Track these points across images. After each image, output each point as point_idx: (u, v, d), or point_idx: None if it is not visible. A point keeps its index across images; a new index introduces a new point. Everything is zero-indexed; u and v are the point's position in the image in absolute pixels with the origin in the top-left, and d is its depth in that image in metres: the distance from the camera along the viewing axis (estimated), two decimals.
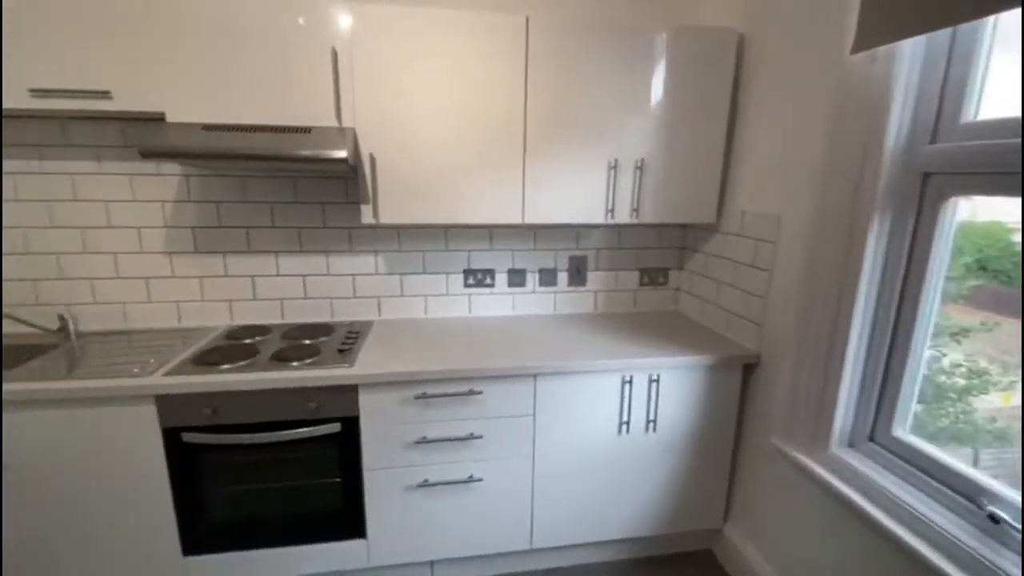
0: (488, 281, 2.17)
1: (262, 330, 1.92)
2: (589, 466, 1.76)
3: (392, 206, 1.72)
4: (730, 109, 1.81)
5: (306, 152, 1.51)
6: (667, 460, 1.81)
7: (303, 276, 2.04)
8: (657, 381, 1.72)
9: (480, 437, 1.67)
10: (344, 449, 1.61)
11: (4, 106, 1.48)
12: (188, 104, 1.55)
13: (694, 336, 1.92)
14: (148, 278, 1.94)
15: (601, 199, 1.82)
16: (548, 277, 2.20)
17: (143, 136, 1.51)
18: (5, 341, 1.77)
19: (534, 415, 1.68)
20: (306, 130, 1.59)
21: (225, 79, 1.55)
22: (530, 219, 1.81)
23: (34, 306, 1.89)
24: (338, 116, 1.62)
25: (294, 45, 1.56)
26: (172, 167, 1.86)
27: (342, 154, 1.50)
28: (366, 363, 1.61)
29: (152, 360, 1.61)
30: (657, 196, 1.84)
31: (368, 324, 2.04)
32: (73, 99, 1.50)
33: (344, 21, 1.57)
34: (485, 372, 1.60)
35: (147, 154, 1.42)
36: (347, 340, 1.80)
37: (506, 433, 1.68)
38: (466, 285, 2.16)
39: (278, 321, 2.05)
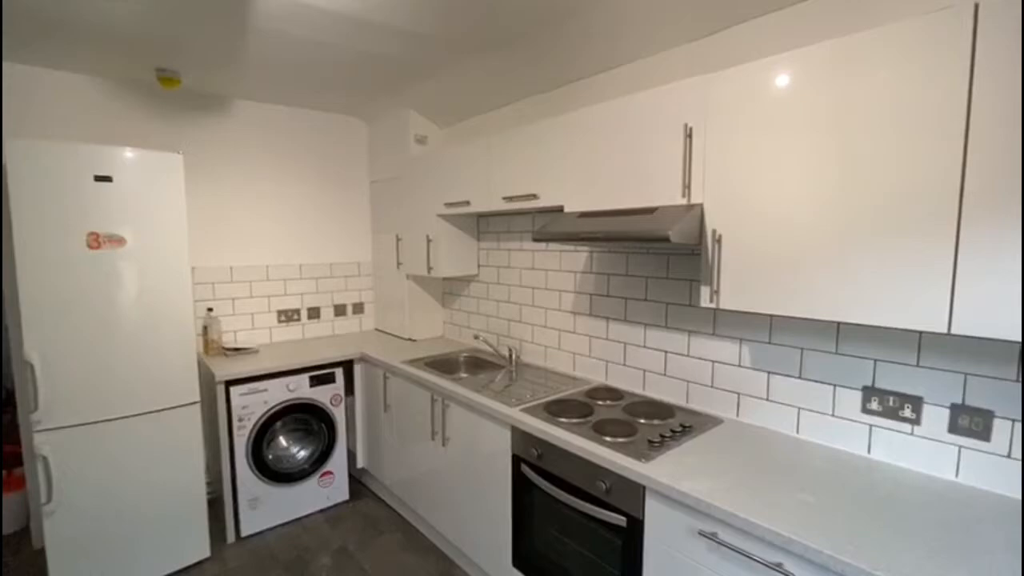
0: (907, 413, 1.39)
1: (616, 395, 2.02)
2: None
3: (735, 289, 1.44)
4: None
5: (635, 231, 1.51)
6: None
7: (665, 352, 2.00)
8: None
9: None
10: (627, 548, 1.47)
11: (490, 209, 2.30)
12: (577, 198, 1.88)
13: None
14: (560, 331, 2.44)
15: None
16: None
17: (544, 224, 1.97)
18: (481, 356, 2.69)
19: None
20: (650, 210, 1.60)
21: (598, 173, 1.79)
22: (964, 329, 1.06)
23: (506, 337, 2.76)
24: (686, 193, 1.53)
25: (649, 127, 1.62)
26: (582, 246, 2.28)
27: (665, 232, 1.41)
28: (662, 466, 1.42)
29: (529, 395, 2.03)
30: None
31: (716, 421, 1.75)
32: (520, 201, 2.14)
33: (698, 94, 1.48)
34: (803, 550, 1.06)
35: (536, 238, 1.84)
36: (673, 432, 1.63)
37: None
38: (865, 410, 1.47)
39: (637, 391, 2.09)
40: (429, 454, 2.36)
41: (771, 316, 1.66)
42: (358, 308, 3.47)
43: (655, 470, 1.39)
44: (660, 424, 1.72)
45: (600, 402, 1.95)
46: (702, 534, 1.26)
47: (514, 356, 2.55)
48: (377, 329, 3.51)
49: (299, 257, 3.20)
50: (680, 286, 1.92)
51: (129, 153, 2.09)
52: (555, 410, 1.84)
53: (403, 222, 3.04)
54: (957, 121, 1.05)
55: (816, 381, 1.57)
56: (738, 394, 1.77)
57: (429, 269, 2.80)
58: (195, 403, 2.30)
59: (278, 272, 3.12)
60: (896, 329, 1.36)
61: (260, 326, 3.07)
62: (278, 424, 2.66)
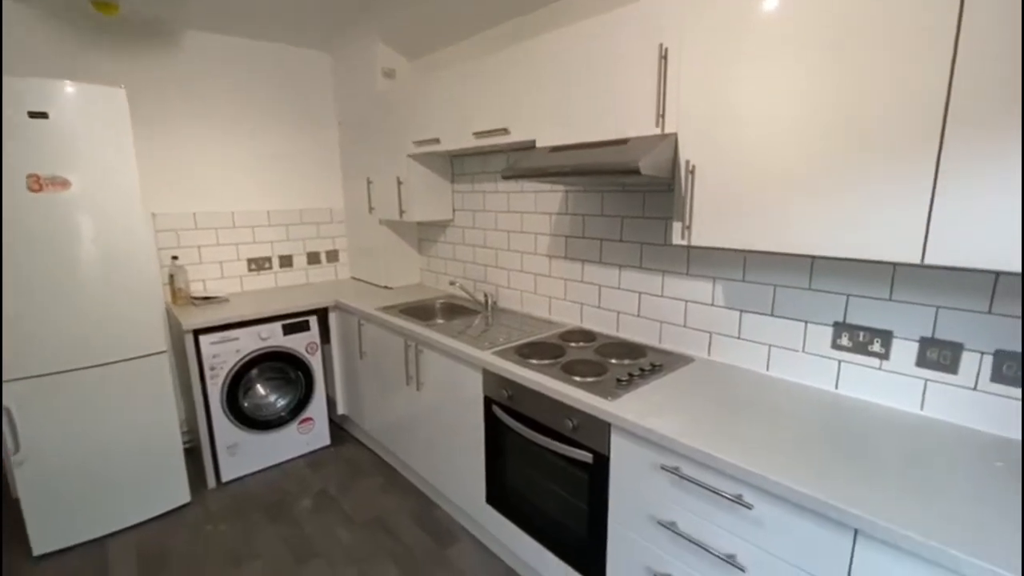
0: (876, 348, 1.38)
1: (589, 337, 2.00)
2: None
3: (708, 225, 1.37)
4: None
5: (605, 163, 1.43)
6: None
7: (639, 293, 1.96)
8: None
9: (743, 571, 1.14)
10: (593, 484, 1.49)
11: (460, 146, 2.18)
12: (549, 131, 1.77)
13: None
14: (536, 275, 2.39)
15: None
16: (1013, 369, 1.17)
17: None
18: (457, 302, 2.64)
19: None
20: (623, 142, 1.50)
21: (569, 103, 1.67)
22: (937, 258, 1.02)
23: (482, 283, 2.71)
24: (660, 122, 1.43)
25: (622, 50, 1.49)
26: (557, 186, 2.19)
27: (634, 163, 1.32)
28: (628, 404, 1.40)
29: (502, 339, 2.00)
30: None
31: (687, 360, 1.74)
32: (491, 137, 2.02)
33: (675, 12, 1.35)
34: (762, 481, 1.06)
35: (505, 175, 1.74)
36: (642, 371, 1.61)
37: None
38: (835, 346, 1.46)
39: (611, 332, 2.07)
40: (405, 399, 2.36)
41: (745, 253, 1.61)
42: (332, 256, 3.37)
43: (621, 408, 1.38)
44: (630, 364, 1.70)
45: (573, 344, 1.93)
46: (665, 468, 1.26)
47: (490, 302, 2.51)
48: (353, 277, 3.43)
49: (266, 203, 3.06)
50: (655, 225, 1.85)
51: (67, 87, 1.92)
52: (527, 352, 1.82)
53: (373, 165, 2.90)
54: (945, 39, 0.95)
55: (788, 318, 1.55)
56: (710, 333, 1.75)
57: (401, 214, 2.70)
58: (163, 352, 2.24)
59: (245, 219, 2.99)
60: (870, 262, 1.32)
61: (230, 275, 2.98)
62: (253, 372, 2.63)
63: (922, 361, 1.30)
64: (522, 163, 1.72)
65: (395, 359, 2.36)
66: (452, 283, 2.62)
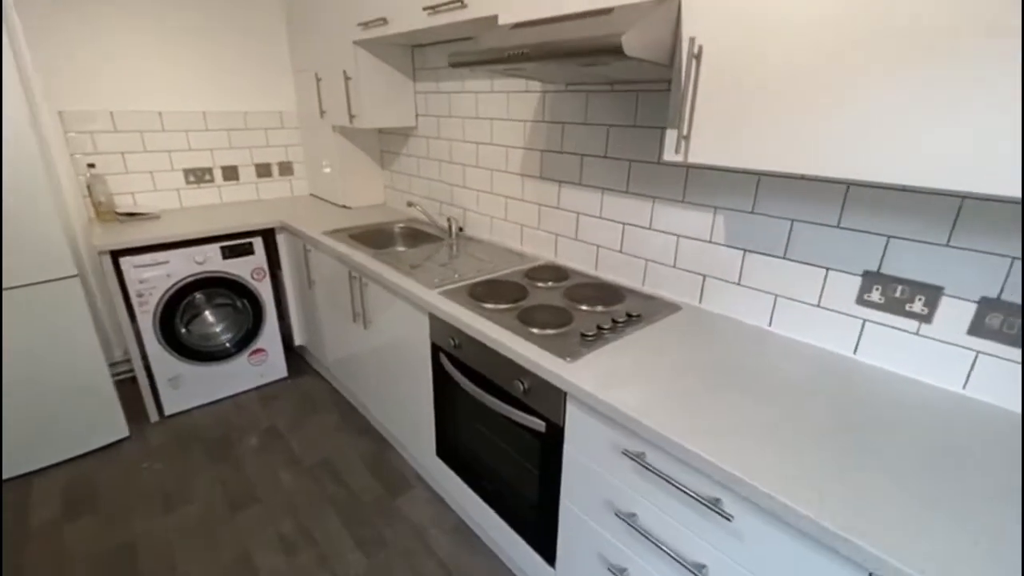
0: (916, 307, 1.06)
1: (561, 275, 1.67)
2: None
3: (714, 135, 0.99)
4: None
5: (578, 39, 1.01)
6: None
7: (623, 225, 1.60)
8: None
9: None
10: (546, 455, 1.24)
11: (411, 27, 1.71)
12: (513, 2, 1.32)
13: None
14: (507, 197, 2.01)
15: None
16: None
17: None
18: (421, 227, 2.29)
19: None
20: (607, 11, 1.07)
21: None
22: None
23: (448, 204, 2.33)
24: None
25: None
26: (533, 84, 1.75)
27: (615, 39, 0.92)
28: (590, 367, 1.11)
29: (457, 275, 1.68)
30: None
31: (673, 308, 1.43)
32: (446, 12, 1.56)
33: None
34: (749, 491, 0.79)
35: (453, 62, 1.32)
36: (615, 324, 1.31)
37: None
38: (862, 301, 1.13)
39: (588, 270, 1.75)
40: (353, 336, 2.09)
41: (759, 176, 1.24)
42: (285, 168, 2.96)
43: (579, 373, 1.09)
44: (603, 312, 1.39)
45: (540, 284, 1.61)
46: (627, 454, 0.99)
47: (454, 228, 2.16)
48: (312, 195, 3.04)
49: (201, 103, 2.60)
50: (649, 137, 1.46)
51: None
52: (481, 294, 1.50)
53: (321, 55, 2.40)
54: None
55: (804, 263, 1.21)
56: (704, 276, 1.42)
57: (351, 118, 2.26)
58: (72, 277, 1.93)
59: (175, 121, 2.55)
60: (934, 192, 0.96)
61: (165, 187, 2.60)
62: (195, 300, 2.35)
63: (978, 328, 0.99)
64: (474, 45, 1.29)
65: (342, 292, 2.06)
66: (410, 204, 2.24)
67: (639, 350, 1.19)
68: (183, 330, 2.33)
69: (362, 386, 2.21)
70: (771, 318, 1.30)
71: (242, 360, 2.52)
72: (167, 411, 2.36)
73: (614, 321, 1.31)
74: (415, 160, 2.47)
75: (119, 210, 2.38)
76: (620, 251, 1.63)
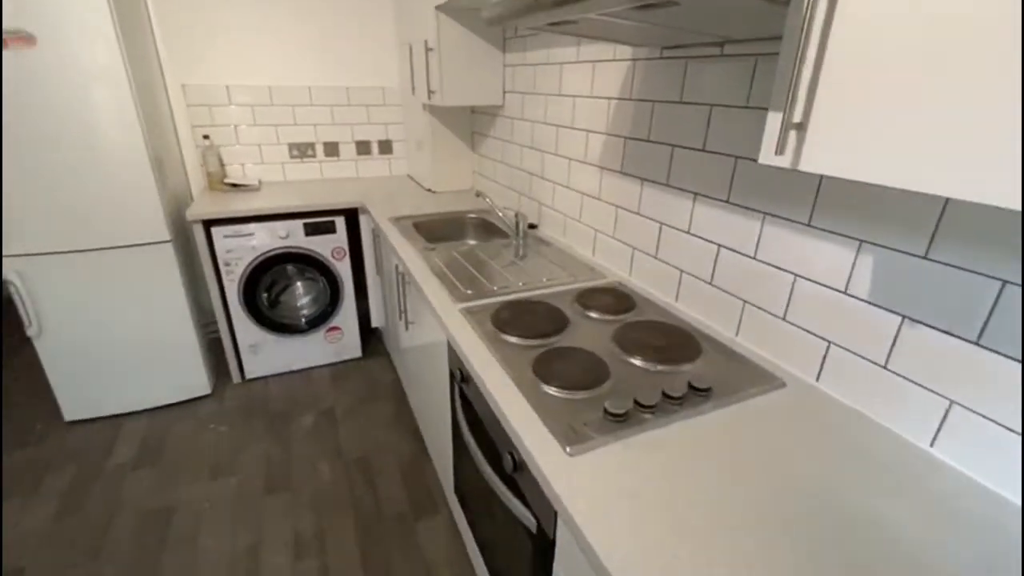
0: None
1: (625, 305, 1.27)
2: None
3: (856, 122, 0.54)
4: None
5: None
6: None
7: (717, 246, 1.15)
8: None
9: None
10: (536, 558, 0.91)
11: None
12: None
13: None
14: (583, 194, 1.64)
15: None
16: None
17: None
18: (491, 219, 2.02)
19: None
20: None
21: None
22: None
23: (526, 197, 2.03)
24: None
25: None
26: (622, 51, 1.34)
27: None
28: (599, 469, 0.74)
29: (496, 287, 1.39)
30: None
31: (770, 383, 0.96)
32: None
33: None
34: None
35: (489, 19, 0.99)
36: (667, 398, 0.90)
37: None
38: None
39: (663, 300, 1.32)
40: (401, 333, 1.93)
41: (944, 202, 0.72)
42: (385, 147, 2.90)
43: (577, 476, 0.73)
44: (660, 372, 0.99)
45: (592, 313, 1.24)
46: None
47: (521, 225, 1.85)
48: (409, 176, 2.96)
49: (306, 78, 2.62)
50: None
51: None
52: (506, 319, 1.19)
53: (414, 25, 2.23)
54: None
55: (1005, 356, 0.68)
56: (828, 343, 0.93)
57: (430, 93, 2.06)
58: (166, 242, 2.06)
59: (283, 96, 2.61)
60: None
61: (270, 161, 2.70)
62: (286, 271, 2.42)
63: None
64: None
65: (394, 284, 1.90)
66: (479, 195, 1.97)
67: (685, 452, 0.78)
68: (264, 300, 2.40)
69: (412, 387, 2.06)
70: (936, 433, 0.78)
71: (318, 336, 2.55)
72: (248, 375, 2.48)
73: (667, 395, 0.90)
74: (500, 144, 2.19)
75: (227, 180, 2.51)
76: (710, 282, 1.18)
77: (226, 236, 2.21)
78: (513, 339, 1.10)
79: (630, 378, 0.96)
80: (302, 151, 2.73)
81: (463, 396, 1.19)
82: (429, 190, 2.57)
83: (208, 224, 2.18)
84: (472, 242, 2.02)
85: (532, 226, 1.96)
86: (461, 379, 1.16)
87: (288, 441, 2.09)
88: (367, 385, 2.47)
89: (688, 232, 1.22)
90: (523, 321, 1.17)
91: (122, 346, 2.11)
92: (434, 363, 1.48)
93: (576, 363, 1.00)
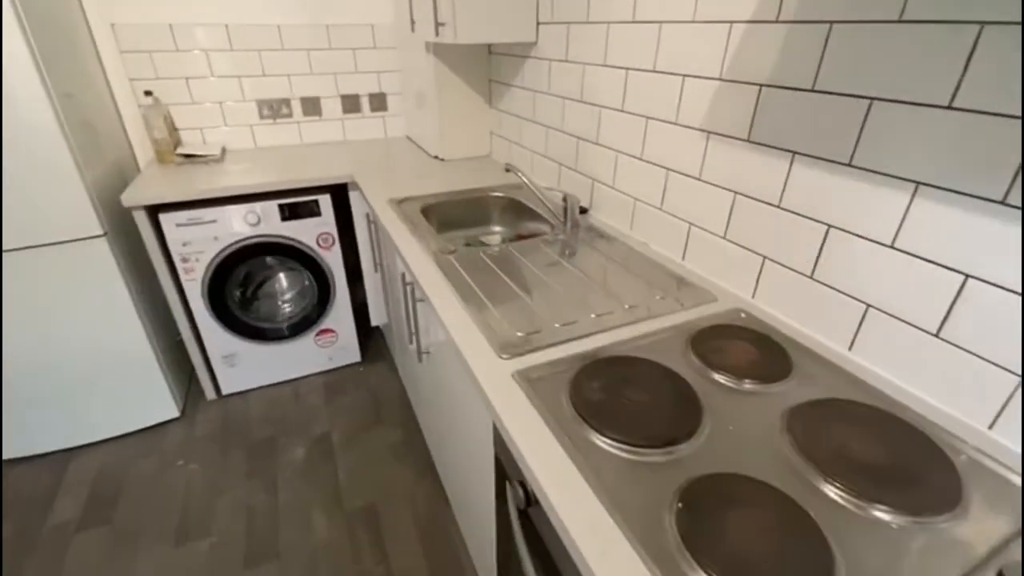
0: None
1: (778, 362, 0.80)
2: None
3: None
4: None
5: None
6: None
7: (965, 276, 0.66)
8: None
9: None
10: None
11: None
12: None
13: None
14: (670, 170, 1.13)
15: None
16: None
17: None
18: (522, 198, 1.51)
19: None
20: None
21: None
22: None
23: (572, 171, 1.51)
24: None
25: None
26: None
27: None
28: None
29: (556, 324, 0.91)
30: None
31: None
32: None
33: None
34: None
35: None
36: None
37: None
38: None
39: (839, 351, 0.84)
40: (411, 358, 1.47)
41: None
42: (378, 102, 2.34)
43: None
44: (911, 522, 0.53)
45: (719, 377, 0.77)
46: None
47: (571, 211, 1.34)
48: (409, 137, 2.41)
49: (274, 14, 2.04)
50: None
51: None
52: (597, 393, 0.72)
53: None
54: None
55: None
56: None
57: (438, 28, 1.50)
58: (98, 236, 1.57)
59: (245, 38, 2.03)
60: None
61: (236, 123, 2.15)
62: (255, 265, 1.94)
63: None
64: None
65: (399, 293, 1.43)
66: (508, 169, 1.45)
67: None
68: (237, 301, 1.93)
69: (425, 410, 1.63)
70: None
71: (308, 341, 2.09)
72: (224, 390, 2.05)
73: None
74: (530, 96, 1.65)
75: (181, 150, 1.98)
76: (936, 334, 0.70)
77: (179, 225, 1.72)
78: (615, 446, 0.64)
79: (870, 549, 0.51)
80: (275, 110, 2.18)
81: (523, 517, 0.74)
82: (436, 157, 2.05)
83: (154, 210, 1.68)
84: (498, 228, 1.54)
85: (583, 210, 1.46)
86: (524, 495, 0.70)
87: (274, 483, 1.67)
88: (368, 400, 2.04)
89: (890, 246, 0.74)
90: (622, 401, 0.71)
91: (60, 366, 1.67)
92: (469, 423, 1.03)
93: (753, 515, 0.54)
